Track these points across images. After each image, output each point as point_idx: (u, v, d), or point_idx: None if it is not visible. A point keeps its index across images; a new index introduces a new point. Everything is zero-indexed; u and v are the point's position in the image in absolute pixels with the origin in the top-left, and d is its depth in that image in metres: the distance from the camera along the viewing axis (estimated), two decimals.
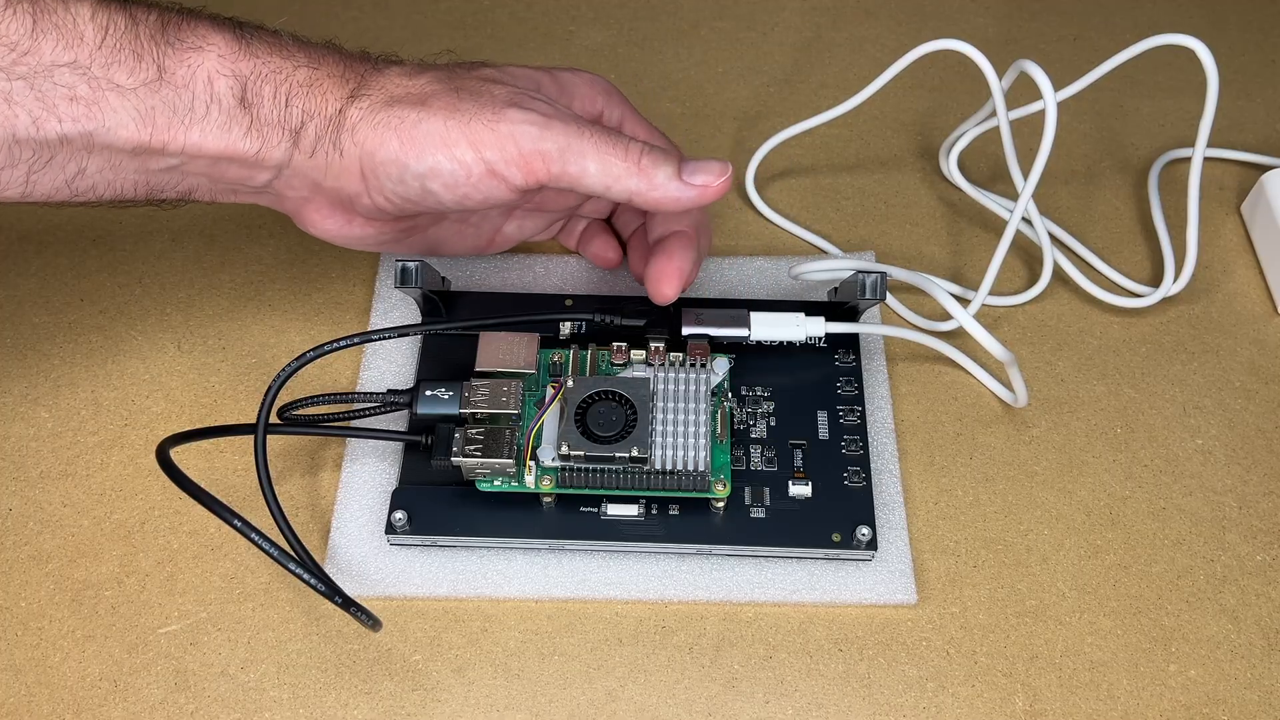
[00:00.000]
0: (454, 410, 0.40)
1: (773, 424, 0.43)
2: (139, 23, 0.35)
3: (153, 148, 0.35)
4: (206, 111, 0.35)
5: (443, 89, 0.37)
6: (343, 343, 0.39)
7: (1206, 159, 0.50)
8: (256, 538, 0.35)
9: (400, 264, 0.41)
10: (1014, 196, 0.49)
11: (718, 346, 0.43)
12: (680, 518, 0.40)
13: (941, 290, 0.43)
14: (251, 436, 0.38)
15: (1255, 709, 0.38)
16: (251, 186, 0.38)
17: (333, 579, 0.37)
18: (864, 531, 0.40)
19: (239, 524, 0.35)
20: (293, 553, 0.37)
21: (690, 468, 0.39)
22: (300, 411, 0.41)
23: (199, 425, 0.43)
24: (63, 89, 0.33)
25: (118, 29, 0.34)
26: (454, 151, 0.36)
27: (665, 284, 0.41)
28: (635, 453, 0.38)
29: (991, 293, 0.47)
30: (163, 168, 0.36)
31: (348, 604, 0.36)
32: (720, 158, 0.40)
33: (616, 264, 0.46)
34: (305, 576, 0.35)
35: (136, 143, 0.35)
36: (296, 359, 0.39)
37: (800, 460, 0.42)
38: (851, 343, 0.45)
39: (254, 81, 0.36)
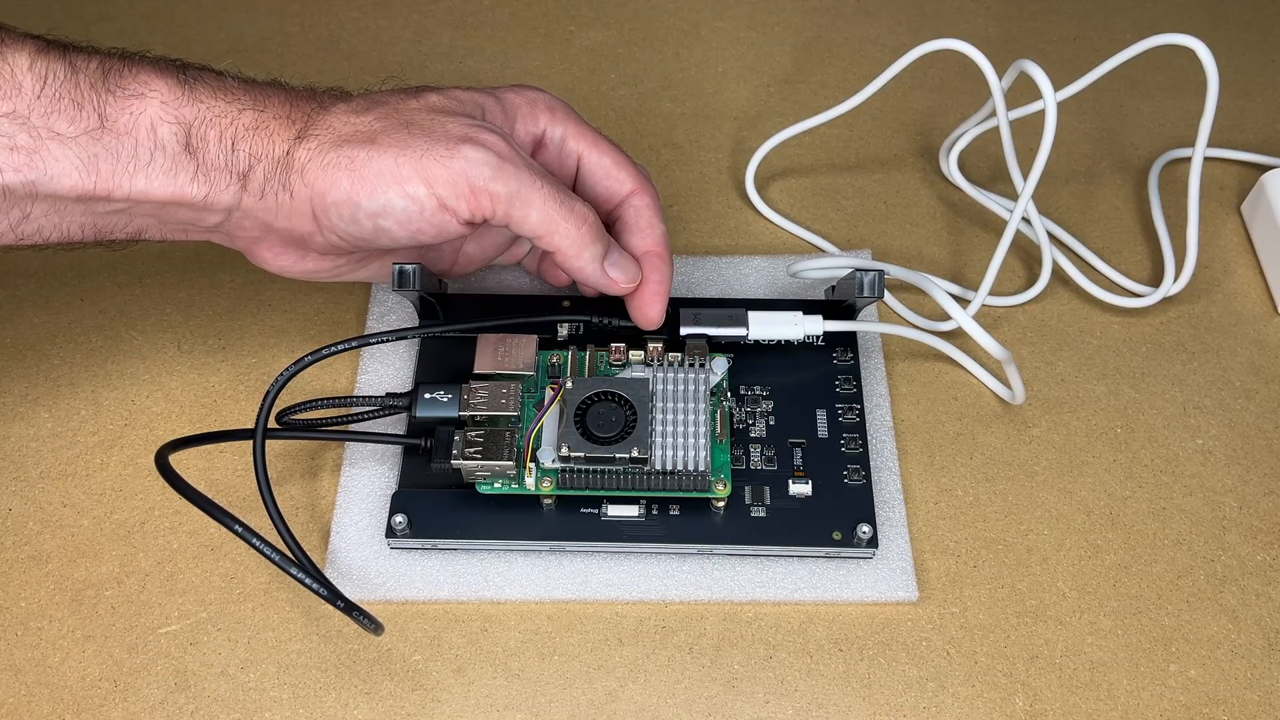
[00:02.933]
0: (453, 413, 0.40)
1: (772, 423, 0.43)
2: (79, 71, 0.34)
3: (98, 195, 0.35)
4: (151, 158, 0.35)
5: (392, 125, 0.37)
6: (340, 347, 0.39)
7: (1206, 159, 0.50)
8: (258, 543, 0.35)
9: (398, 267, 0.41)
10: (1014, 196, 0.49)
11: (716, 346, 0.43)
12: (680, 518, 0.40)
13: (940, 290, 0.43)
14: (250, 440, 0.38)
15: (1255, 709, 0.38)
16: (202, 227, 0.38)
17: (334, 583, 0.37)
18: (864, 529, 0.40)
19: (240, 529, 0.35)
20: (293, 557, 0.37)
21: (690, 468, 0.39)
22: (299, 416, 0.41)
23: (199, 425, 0.44)
24: (2, 138, 0.33)
25: (57, 78, 0.34)
26: (406, 188, 0.36)
27: (649, 309, 0.42)
28: (635, 453, 0.38)
29: (991, 292, 0.47)
30: (110, 210, 0.36)
31: (350, 609, 0.36)
32: (638, 262, 0.41)
33: (568, 283, 0.45)
34: (307, 581, 0.35)
35: (81, 190, 0.34)
36: (294, 363, 0.39)
37: (800, 459, 0.42)
38: (850, 341, 0.45)
39: (198, 126, 0.35)
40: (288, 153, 0.36)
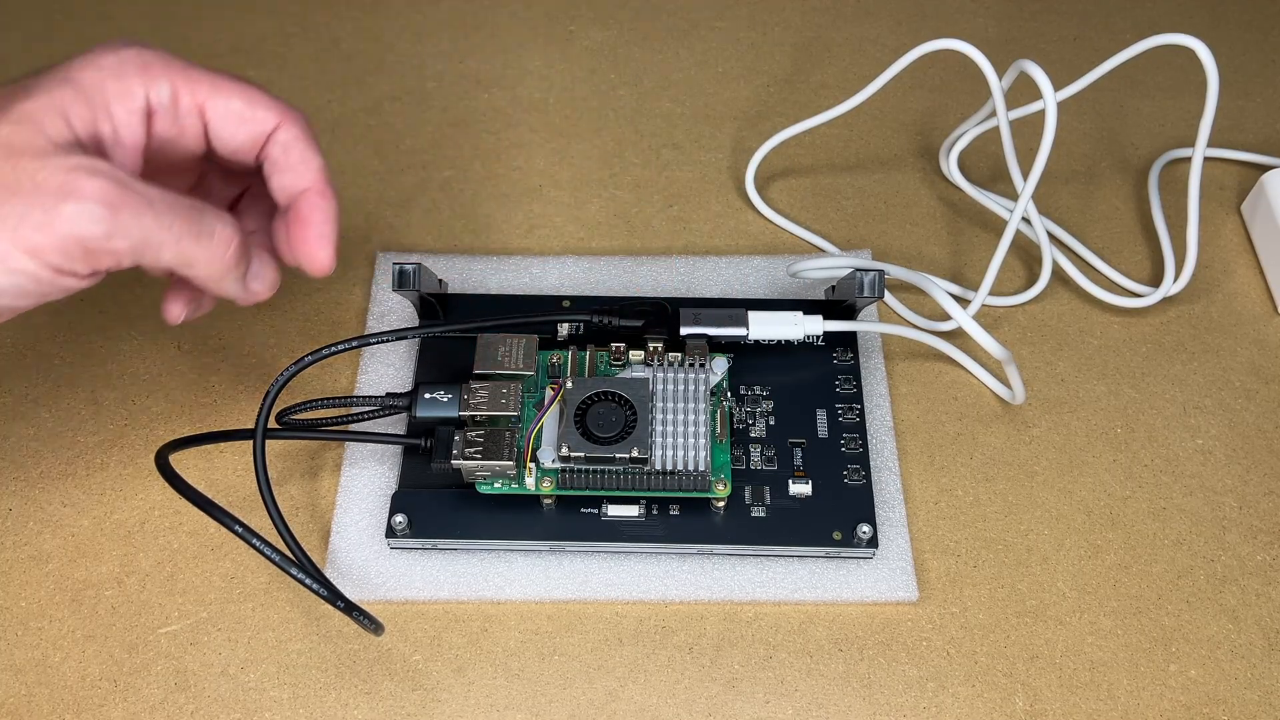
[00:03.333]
0: (453, 413, 0.40)
1: (772, 423, 0.43)
2: None
3: None
4: None
5: None
6: (340, 347, 0.39)
7: (1206, 159, 0.50)
8: (258, 543, 0.35)
9: (398, 267, 0.41)
10: (1014, 196, 0.49)
11: (716, 346, 0.43)
12: (680, 518, 0.40)
13: (940, 290, 0.43)
14: (250, 440, 0.38)
15: (1255, 709, 0.38)
16: None
17: (334, 583, 0.37)
18: (865, 529, 0.40)
19: (240, 529, 0.35)
20: (293, 557, 0.37)
21: (690, 468, 0.39)
22: (299, 416, 0.41)
23: (199, 425, 0.44)
24: None
25: None
26: (9, 265, 0.30)
27: (317, 254, 0.35)
28: (635, 453, 0.38)
29: (991, 292, 0.47)
30: None
31: (350, 609, 0.36)
32: (276, 265, 0.36)
33: (176, 319, 0.37)
34: (307, 581, 0.35)
35: None
36: (295, 363, 0.39)
37: (800, 459, 0.42)
38: (850, 341, 0.45)
39: None
40: None
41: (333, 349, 0.39)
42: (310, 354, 0.39)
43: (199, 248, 0.32)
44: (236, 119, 0.34)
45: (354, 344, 0.40)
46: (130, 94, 0.33)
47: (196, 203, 0.32)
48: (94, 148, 0.32)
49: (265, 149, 0.35)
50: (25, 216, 0.30)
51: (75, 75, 0.32)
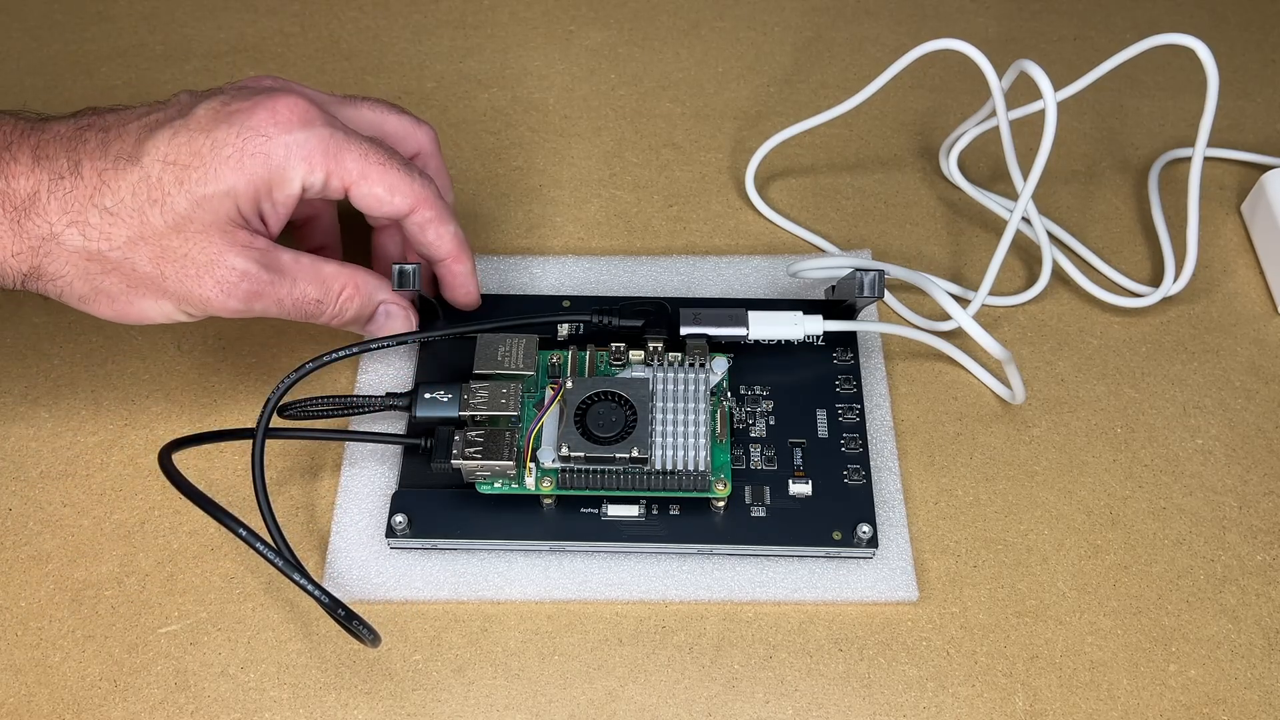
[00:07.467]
0: (453, 413, 0.40)
1: (772, 423, 0.43)
2: None
3: None
4: None
5: (142, 258, 0.36)
6: (342, 353, 0.39)
7: (1206, 159, 0.50)
8: (261, 547, 0.35)
9: (398, 267, 0.41)
10: (1014, 196, 0.49)
11: (716, 346, 0.43)
12: (681, 518, 0.40)
13: (940, 289, 0.43)
14: (250, 440, 0.38)
15: (1255, 709, 0.38)
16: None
17: (329, 590, 0.36)
18: (865, 529, 0.40)
19: (244, 533, 0.35)
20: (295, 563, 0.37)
21: (690, 467, 0.39)
22: (299, 419, 0.41)
23: (199, 425, 0.44)
24: None
25: None
26: (180, 308, 0.37)
27: (464, 299, 0.44)
28: (635, 453, 0.38)
29: (991, 292, 0.47)
30: None
31: (350, 618, 0.35)
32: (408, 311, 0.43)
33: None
34: (309, 588, 0.35)
35: None
36: (296, 370, 0.38)
37: (800, 459, 0.42)
38: (850, 341, 0.45)
39: None
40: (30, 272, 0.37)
41: (334, 355, 0.39)
42: (312, 360, 0.39)
43: (318, 320, 0.40)
44: (375, 201, 0.38)
45: (355, 350, 0.40)
46: (290, 182, 0.37)
47: (323, 283, 0.39)
48: (253, 221, 0.37)
49: (404, 222, 0.40)
50: (187, 292, 0.36)
51: (263, 150, 0.36)
